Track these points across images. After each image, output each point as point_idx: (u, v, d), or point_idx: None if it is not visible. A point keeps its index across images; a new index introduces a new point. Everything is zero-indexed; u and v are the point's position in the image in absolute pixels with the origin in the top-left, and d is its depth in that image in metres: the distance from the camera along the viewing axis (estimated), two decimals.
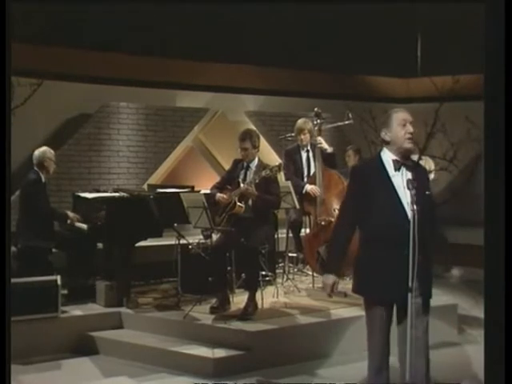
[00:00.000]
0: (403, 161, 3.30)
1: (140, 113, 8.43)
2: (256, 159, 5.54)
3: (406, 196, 3.21)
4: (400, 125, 3.29)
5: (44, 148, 6.09)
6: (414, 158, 3.46)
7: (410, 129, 3.27)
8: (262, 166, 5.45)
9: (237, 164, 5.66)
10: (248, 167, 5.55)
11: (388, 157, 3.34)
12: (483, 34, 2.97)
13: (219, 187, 5.60)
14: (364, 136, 9.72)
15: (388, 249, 3.22)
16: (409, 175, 3.25)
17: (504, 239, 2.78)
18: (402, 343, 3.28)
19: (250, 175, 5.46)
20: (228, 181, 5.63)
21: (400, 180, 3.26)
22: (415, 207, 3.09)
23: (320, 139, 6.29)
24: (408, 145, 3.28)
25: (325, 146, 6.30)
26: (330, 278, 3.46)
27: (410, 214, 3.15)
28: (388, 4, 8.88)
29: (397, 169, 3.29)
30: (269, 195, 5.35)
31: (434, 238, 3.37)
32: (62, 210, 6.44)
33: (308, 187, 6.17)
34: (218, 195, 5.47)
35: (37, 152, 6.02)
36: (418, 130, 3.38)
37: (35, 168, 5.99)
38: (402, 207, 3.22)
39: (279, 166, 5.35)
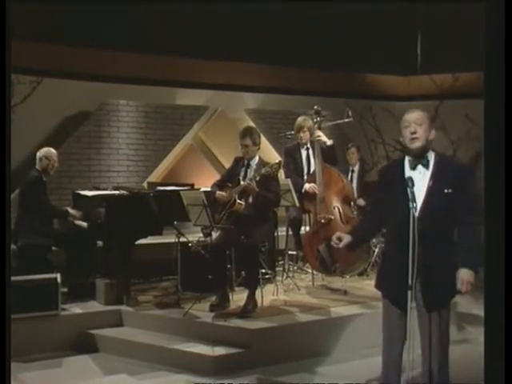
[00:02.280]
0: (417, 160, 3.33)
1: (140, 111, 8.42)
2: (257, 157, 5.55)
3: (420, 194, 3.26)
4: (405, 127, 3.33)
5: (46, 148, 6.12)
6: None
7: (412, 129, 3.29)
8: (262, 163, 5.45)
9: (237, 162, 5.66)
10: (248, 165, 5.55)
11: (408, 157, 3.39)
12: (483, 32, 2.97)
13: (220, 185, 5.60)
14: (364, 134, 9.76)
15: (399, 247, 3.22)
16: (426, 173, 3.30)
17: (504, 237, 2.78)
18: (423, 341, 3.33)
19: (251, 173, 5.46)
20: (228, 178, 5.62)
21: (416, 178, 3.26)
22: (414, 204, 3.12)
23: (319, 132, 6.28)
24: (412, 145, 3.31)
25: (324, 138, 6.30)
26: (345, 236, 3.55)
27: (416, 213, 3.18)
28: (388, 3, 8.88)
29: (412, 168, 3.34)
30: (269, 193, 5.35)
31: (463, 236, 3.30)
32: (62, 207, 6.45)
33: (307, 186, 6.16)
34: (218, 193, 5.47)
35: (39, 152, 6.05)
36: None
37: (37, 167, 6.00)
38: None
39: (279, 164, 5.35)
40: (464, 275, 3.22)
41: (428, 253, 3.18)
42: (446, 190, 3.25)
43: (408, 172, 3.33)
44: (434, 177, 3.28)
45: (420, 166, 3.33)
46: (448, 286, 3.30)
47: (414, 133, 3.28)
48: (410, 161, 3.35)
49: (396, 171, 3.39)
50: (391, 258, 3.39)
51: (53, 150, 6.11)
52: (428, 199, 3.26)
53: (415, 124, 3.29)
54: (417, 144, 3.29)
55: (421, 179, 3.29)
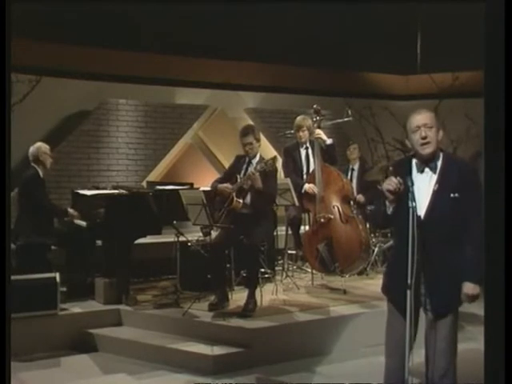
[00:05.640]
0: (425, 164, 3.21)
1: (139, 110, 8.42)
2: (258, 155, 5.55)
3: (426, 198, 3.16)
4: (413, 132, 3.16)
5: (38, 143, 6.11)
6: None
7: (423, 133, 3.12)
8: (262, 161, 5.44)
9: (239, 160, 5.65)
10: (250, 163, 5.55)
11: (415, 160, 3.26)
12: (483, 31, 2.96)
13: (220, 183, 5.59)
14: (363, 133, 9.77)
15: (405, 250, 3.11)
16: (433, 177, 3.19)
17: (504, 236, 2.77)
18: (427, 345, 3.29)
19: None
20: (230, 176, 5.61)
21: (422, 182, 3.18)
22: (414, 204, 3.05)
23: (319, 131, 6.28)
24: (423, 151, 3.15)
25: (323, 137, 6.29)
26: None
27: (422, 216, 3.12)
28: (388, 3, 8.87)
29: (420, 171, 3.22)
30: (266, 188, 5.34)
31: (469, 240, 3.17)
32: (61, 206, 6.44)
33: (306, 186, 6.14)
34: (220, 185, 5.45)
35: (31, 148, 6.04)
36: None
37: (32, 164, 6.00)
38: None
39: (273, 159, 5.32)
40: (468, 289, 3.17)
41: (434, 257, 3.12)
42: (452, 195, 3.13)
43: (415, 175, 3.20)
44: (439, 181, 3.17)
45: (427, 169, 3.20)
46: (454, 292, 3.22)
47: (425, 137, 3.12)
48: (417, 164, 3.22)
49: (405, 172, 3.22)
50: (397, 261, 3.26)
51: (44, 144, 6.10)
52: (433, 203, 3.17)
53: (425, 128, 3.13)
54: (429, 149, 3.14)
55: (427, 183, 3.19)
